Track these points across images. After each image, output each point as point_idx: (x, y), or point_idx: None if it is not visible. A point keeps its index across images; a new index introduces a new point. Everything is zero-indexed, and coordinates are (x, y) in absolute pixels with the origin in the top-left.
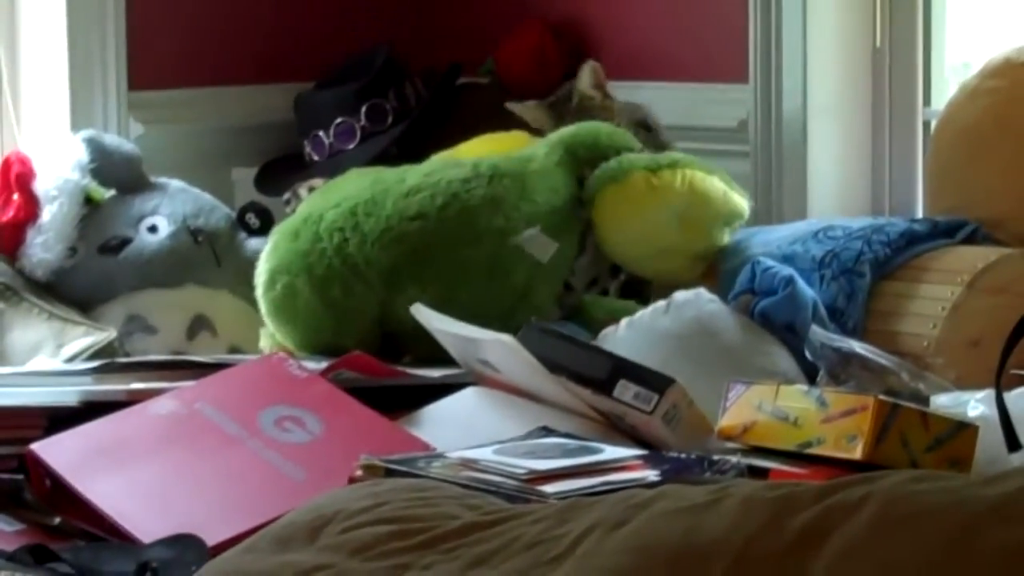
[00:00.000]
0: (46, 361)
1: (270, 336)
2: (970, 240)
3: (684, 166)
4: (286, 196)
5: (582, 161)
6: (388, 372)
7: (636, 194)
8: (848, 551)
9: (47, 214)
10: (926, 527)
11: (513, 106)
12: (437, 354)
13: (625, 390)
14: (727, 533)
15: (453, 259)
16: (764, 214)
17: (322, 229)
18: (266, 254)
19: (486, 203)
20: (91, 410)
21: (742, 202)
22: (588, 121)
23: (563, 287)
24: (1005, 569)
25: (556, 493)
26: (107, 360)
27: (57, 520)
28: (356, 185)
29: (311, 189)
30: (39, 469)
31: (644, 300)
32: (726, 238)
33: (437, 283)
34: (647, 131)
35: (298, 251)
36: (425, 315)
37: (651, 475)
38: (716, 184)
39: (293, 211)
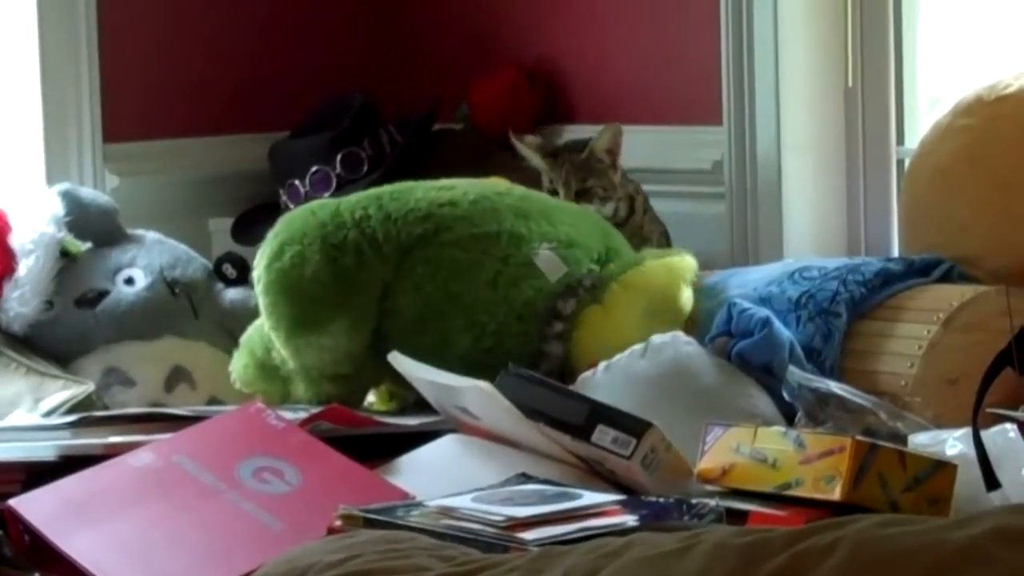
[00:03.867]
0: (24, 416)
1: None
2: (946, 278)
3: (616, 275)
4: None
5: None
6: (366, 423)
7: (595, 329)
8: None
9: (23, 268)
10: (896, 572)
11: (516, 140)
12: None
13: (603, 435)
14: None
15: (470, 250)
16: (740, 255)
17: (343, 207)
18: (275, 231)
19: (513, 210)
20: (69, 464)
21: (682, 260)
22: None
23: None
24: None
25: (535, 540)
26: (84, 414)
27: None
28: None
29: None
30: (17, 525)
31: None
32: (690, 296)
33: (447, 271)
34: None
35: (315, 222)
36: (402, 363)
37: (630, 520)
38: (650, 267)
39: None
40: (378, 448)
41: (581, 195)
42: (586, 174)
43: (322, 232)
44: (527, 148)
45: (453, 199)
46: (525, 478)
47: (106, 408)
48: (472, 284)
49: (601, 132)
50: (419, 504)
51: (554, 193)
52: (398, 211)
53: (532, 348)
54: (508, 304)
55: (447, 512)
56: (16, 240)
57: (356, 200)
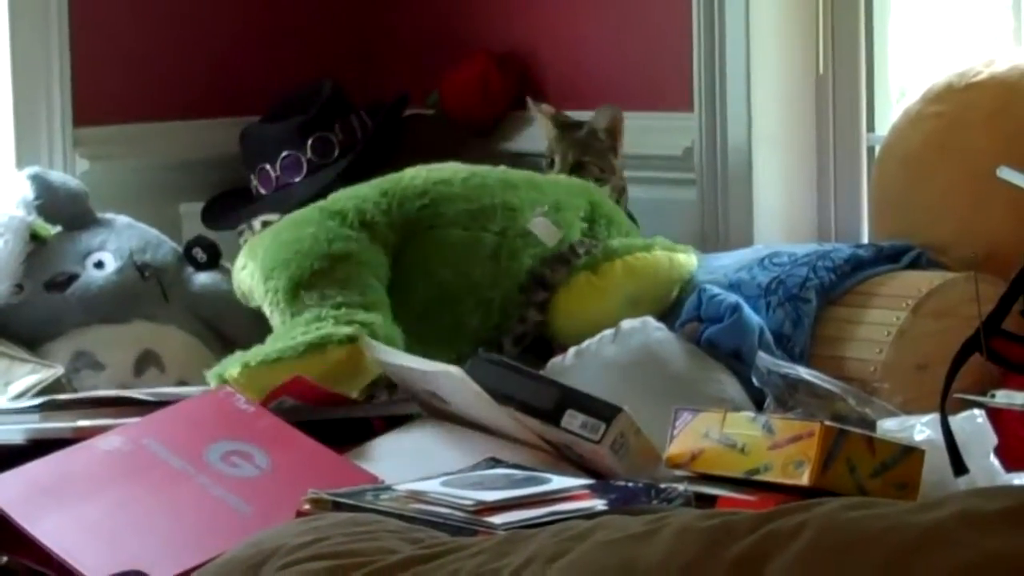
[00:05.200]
0: None
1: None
2: (915, 265)
3: (622, 253)
4: (240, 228)
5: (599, 217)
6: (331, 398)
7: (580, 296)
8: None
9: None
10: (860, 554)
11: (534, 106)
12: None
13: (572, 419)
14: (663, 563)
15: (469, 227)
16: (710, 241)
17: (325, 207)
18: (262, 264)
19: (502, 183)
20: (37, 448)
21: (688, 259)
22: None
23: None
24: None
25: (504, 524)
26: (49, 397)
27: (4, 559)
28: None
29: (264, 223)
30: None
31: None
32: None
33: (454, 252)
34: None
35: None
36: (373, 346)
37: (599, 504)
38: (658, 257)
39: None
40: (347, 432)
41: (576, 169)
42: (583, 150)
43: (314, 242)
44: (542, 114)
45: (446, 177)
46: (494, 462)
47: (75, 392)
48: (476, 262)
49: (598, 111)
50: (388, 488)
51: (551, 165)
52: (393, 188)
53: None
54: (510, 276)
55: (416, 496)
56: None
57: (343, 194)
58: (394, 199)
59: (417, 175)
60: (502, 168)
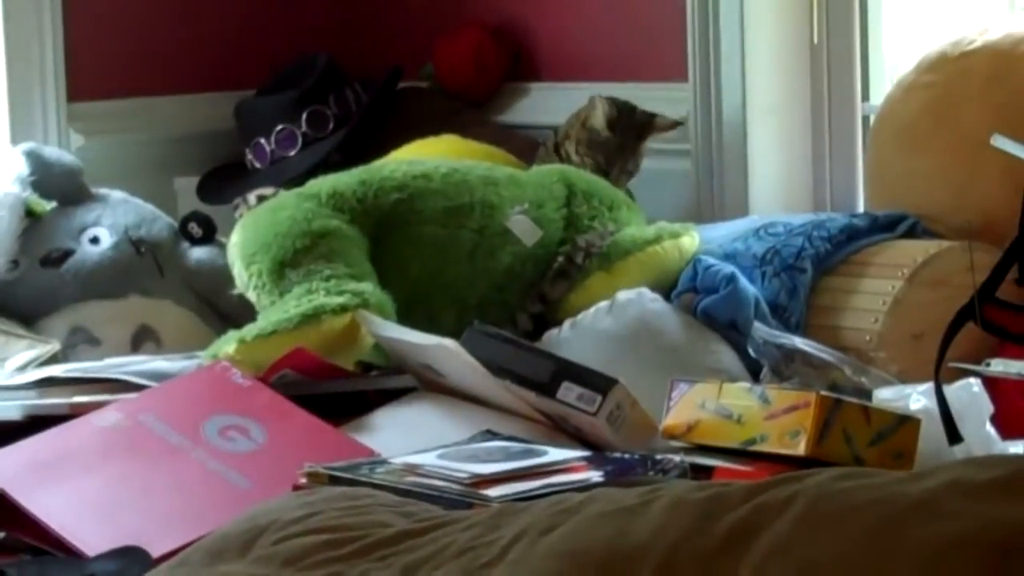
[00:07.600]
0: None
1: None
2: (910, 234)
3: (634, 251)
4: (235, 202)
5: (574, 195)
6: (332, 371)
7: (597, 296)
8: (774, 551)
9: None
10: (850, 524)
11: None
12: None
13: (568, 392)
14: (655, 536)
15: (446, 225)
16: (706, 212)
17: (304, 192)
18: (240, 248)
19: (483, 180)
20: (34, 424)
21: (691, 242)
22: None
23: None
24: (926, 565)
25: (500, 497)
26: (45, 375)
27: (2, 535)
28: None
29: (260, 198)
30: None
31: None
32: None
33: (428, 249)
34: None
35: (283, 219)
36: (368, 320)
37: (595, 476)
38: (667, 249)
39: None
40: (344, 406)
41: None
42: (628, 157)
43: (292, 223)
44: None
45: (426, 172)
46: (490, 435)
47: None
48: (452, 261)
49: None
50: (384, 461)
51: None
52: (371, 179)
53: (511, 315)
54: (487, 276)
55: (412, 469)
56: None
57: (320, 180)
58: (371, 189)
59: (398, 168)
60: (487, 164)
